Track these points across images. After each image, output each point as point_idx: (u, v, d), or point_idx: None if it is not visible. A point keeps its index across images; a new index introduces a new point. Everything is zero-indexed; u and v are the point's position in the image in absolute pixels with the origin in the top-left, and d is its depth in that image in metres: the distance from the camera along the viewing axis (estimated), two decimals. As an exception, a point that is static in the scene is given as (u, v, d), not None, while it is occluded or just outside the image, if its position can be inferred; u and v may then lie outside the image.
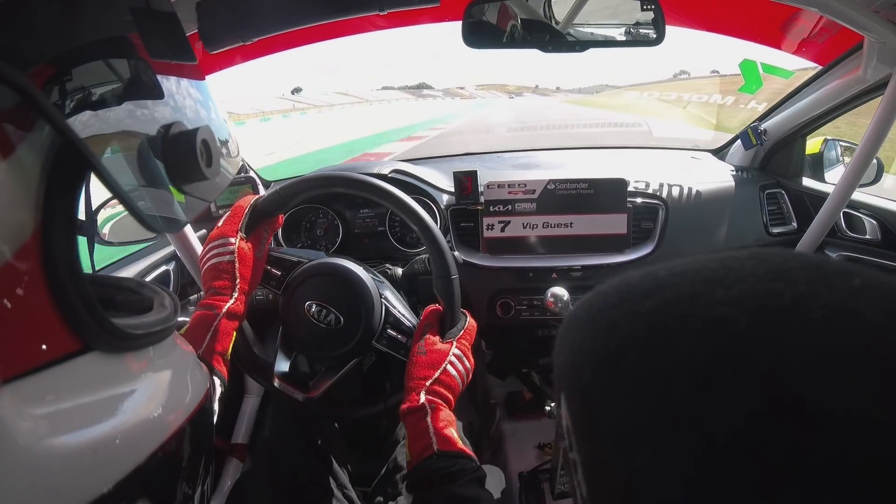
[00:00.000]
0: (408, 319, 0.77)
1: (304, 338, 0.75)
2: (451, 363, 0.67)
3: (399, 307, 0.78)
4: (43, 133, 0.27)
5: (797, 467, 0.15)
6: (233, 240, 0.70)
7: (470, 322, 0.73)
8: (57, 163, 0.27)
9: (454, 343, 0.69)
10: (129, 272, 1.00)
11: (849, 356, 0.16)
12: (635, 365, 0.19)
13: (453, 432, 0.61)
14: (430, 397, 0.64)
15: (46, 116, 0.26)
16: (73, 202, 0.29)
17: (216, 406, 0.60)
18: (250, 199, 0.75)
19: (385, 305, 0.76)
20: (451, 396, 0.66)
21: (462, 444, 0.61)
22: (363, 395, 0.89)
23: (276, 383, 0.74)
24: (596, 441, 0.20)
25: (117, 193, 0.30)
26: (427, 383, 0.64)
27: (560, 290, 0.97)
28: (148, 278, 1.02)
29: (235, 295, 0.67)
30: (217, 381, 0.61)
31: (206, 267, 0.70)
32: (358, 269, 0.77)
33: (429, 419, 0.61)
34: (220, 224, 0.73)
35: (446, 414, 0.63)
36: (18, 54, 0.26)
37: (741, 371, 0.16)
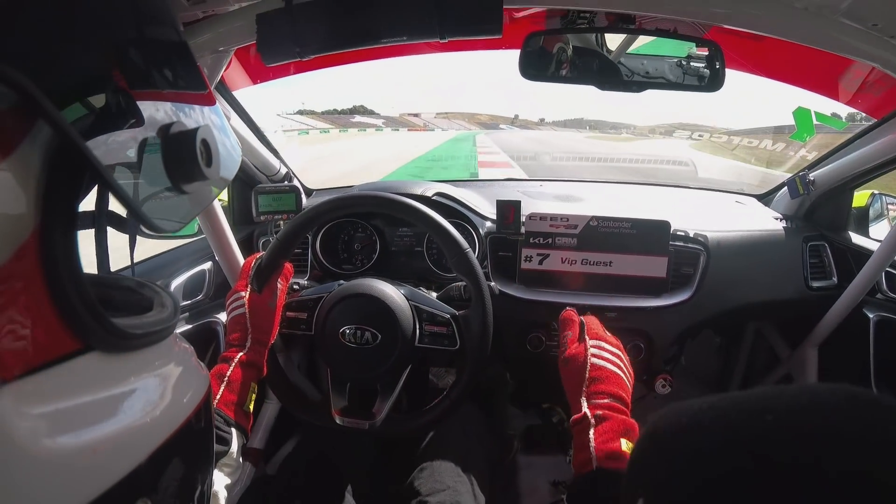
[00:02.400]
0: (440, 310, 0.77)
1: (348, 365, 0.76)
2: (596, 356, 0.62)
3: (426, 302, 0.78)
4: (43, 133, 0.27)
5: None
6: (243, 294, 0.74)
7: (588, 317, 0.69)
8: (57, 162, 0.27)
9: (587, 339, 0.64)
10: (166, 269, 1.02)
11: None
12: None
13: (623, 444, 0.55)
14: (596, 402, 0.58)
15: (46, 116, 0.26)
16: (74, 202, 0.30)
17: (238, 460, 0.61)
18: (256, 257, 0.79)
19: (413, 306, 0.76)
20: (619, 392, 0.60)
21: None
22: (408, 407, 0.90)
23: (339, 420, 0.75)
24: None
25: (117, 193, 0.30)
26: (583, 387, 0.60)
27: None
28: (185, 275, 1.03)
29: (248, 345, 0.70)
30: (235, 433, 0.61)
31: (227, 323, 0.74)
32: (376, 282, 0.78)
33: (591, 432, 0.56)
34: (238, 281, 0.77)
35: (615, 423, 0.57)
36: (19, 54, 0.26)
37: None
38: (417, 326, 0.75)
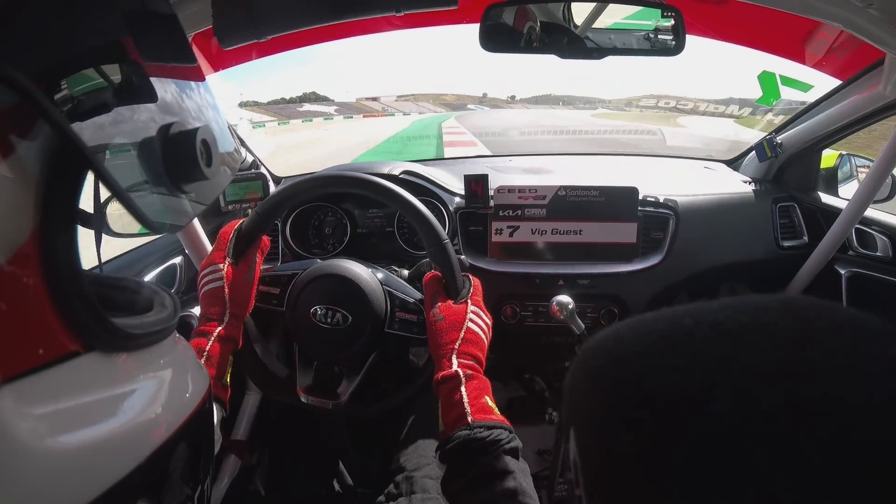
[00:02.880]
0: (412, 297, 0.77)
1: (317, 345, 0.75)
2: (472, 321, 0.66)
3: (400, 287, 0.78)
4: (43, 133, 0.27)
5: None
6: (221, 266, 0.72)
7: (474, 281, 0.73)
8: (57, 162, 0.27)
9: (468, 302, 0.68)
10: (136, 265, 1.01)
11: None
12: (660, 431, 0.20)
13: (488, 400, 0.60)
14: (462, 361, 0.62)
15: (46, 116, 0.26)
16: (74, 202, 0.29)
17: (217, 433, 0.60)
18: (235, 224, 0.76)
19: (387, 291, 0.76)
20: (481, 356, 0.65)
21: (497, 412, 0.60)
22: (375, 391, 0.90)
23: (304, 398, 0.74)
24: (601, 469, 0.22)
25: (117, 193, 0.30)
26: (456, 345, 0.63)
27: (565, 299, 0.96)
28: (155, 271, 1.02)
29: (226, 320, 0.69)
30: (215, 406, 0.61)
31: (201, 295, 0.72)
32: (351, 264, 0.77)
33: (463, 388, 0.59)
34: (210, 252, 0.75)
35: (480, 381, 0.61)
36: (18, 54, 0.26)
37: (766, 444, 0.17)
38: (389, 312, 0.75)
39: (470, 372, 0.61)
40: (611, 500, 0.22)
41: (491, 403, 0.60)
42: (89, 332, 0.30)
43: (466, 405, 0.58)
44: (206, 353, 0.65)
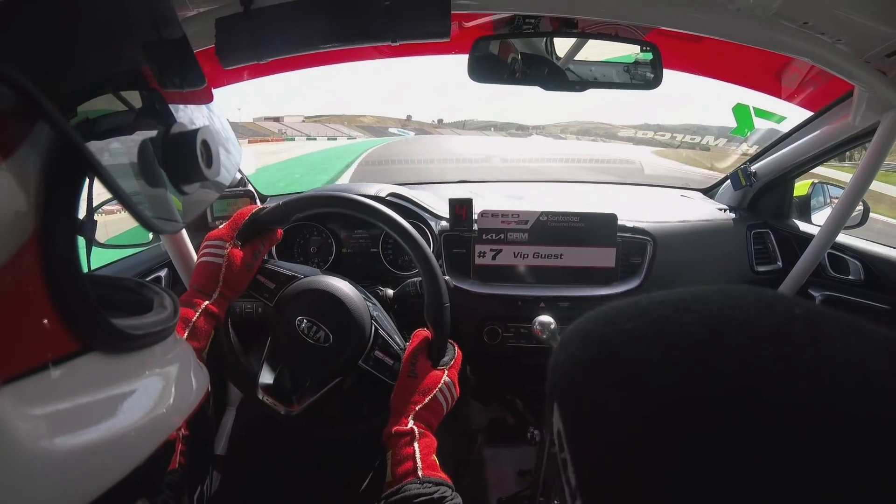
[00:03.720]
0: (396, 343, 0.78)
1: (291, 352, 0.75)
2: (442, 392, 0.68)
3: (388, 330, 0.79)
4: (43, 133, 0.27)
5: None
6: (226, 244, 0.72)
7: (457, 352, 0.74)
8: (57, 163, 0.27)
9: (445, 371, 0.70)
10: (118, 269, 1.01)
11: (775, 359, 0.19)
12: (618, 368, 0.23)
13: (436, 459, 0.63)
14: (419, 422, 0.65)
15: (47, 117, 0.26)
16: (74, 202, 0.29)
17: None
18: (253, 209, 0.76)
19: (375, 327, 0.77)
20: (435, 423, 0.67)
21: (441, 472, 0.63)
22: (340, 415, 0.89)
23: (260, 395, 0.74)
24: (586, 433, 0.24)
25: (117, 194, 0.30)
26: (417, 408, 0.66)
27: (547, 319, 0.98)
28: None
29: (215, 297, 0.69)
30: None
31: (197, 263, 0.72)
32: (351, 290, 0.78)
33: (416, 444, 0.62)
34: (220, 227, 0.74)
35: (430, 440, 0.65)
36: (19, 55, 0.26)
37: (701, 371, 0.20)
38: (369, 347, 0.76)
39: (423, 431, 0.64)
40: (604, 491, 0.22)
41: (437, 462, 0.63)
42: (89, 333, 0.29)
43: (418, 460, 0.61)
44: (191, 324, 0.65)
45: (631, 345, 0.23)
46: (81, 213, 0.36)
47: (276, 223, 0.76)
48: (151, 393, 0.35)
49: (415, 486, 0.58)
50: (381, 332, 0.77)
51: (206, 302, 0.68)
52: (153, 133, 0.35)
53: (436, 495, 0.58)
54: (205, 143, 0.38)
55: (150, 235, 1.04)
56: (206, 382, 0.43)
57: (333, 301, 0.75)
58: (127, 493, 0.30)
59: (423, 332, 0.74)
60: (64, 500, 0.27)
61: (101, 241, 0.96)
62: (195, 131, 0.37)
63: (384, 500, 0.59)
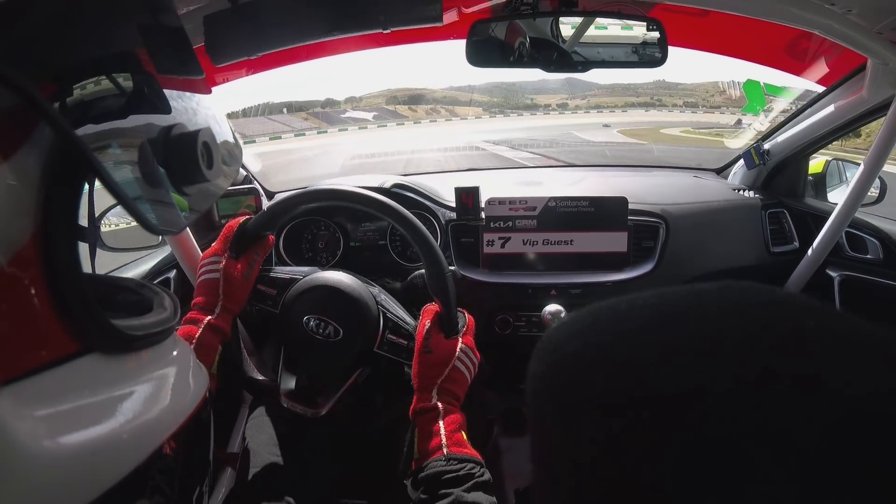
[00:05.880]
0: (406, 323, 0.77)
1: (306, 354, 0.75)
2: (461, 360, 0.68)
3: (397, 311, 0.78)
4: (44, 134, 0.27)
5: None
6: (221, 258, 0.73)
7: (469, 319, 0.74)
8: (58, 164, 0.28)
9: (459, 339, 0.70)
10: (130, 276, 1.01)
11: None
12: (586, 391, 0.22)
13: (464, 435, 0.62)
14: (443, 397, 0.64)
15: (48, 118, 0.26)
16: (74, 204, 0.30)
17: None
18: (241, 219, 0.77)
19: (382, 311, 0.76)
20: (461, 394, 0.67)
21: (470, 447, 0.62)
22: (358, 409, 0.89)
23: (285, 403, 0.74)
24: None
25: (118, 195, 0.30)
26: (438, 381, 0.65)
27: (556, 308, 0.97)
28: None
29: (217, 311, 0.70)
30: None
31: (197, 284, 0.73)
32: (351, 279, 0.77)
33: (441, 421, 0.62)
34: (214, 244, 0.76)
35: (457, 416, 0.64)
36: (20, 56, 0.26)
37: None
38: (381, 332, 0.75)
39: (448, 406, 0.64)
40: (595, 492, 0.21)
41: (466, 438, 0.62)
42: (89, 334, 0.30)
43: (443, 437, 0.61)
44: (195, 341, 0.66)
45: (598, 369, 0.22)
46: (83, 215, 0.36)
47: (264, 230, 0.77)
48: (151, 394, 0.35)
49: (440, 464, 0.58)
50: (389, 314, 0.77)
51: (209, 317, 0.69)
52: (154, 135, 0.35)
53: (462, 472, 0.57)
54: (205, 145, 0.38)
55: (159, 237, 1.05)
56: (206, 383, 0.43)
57: (335, 294, 0.75)
58: (126, 493, 0.30)
59: (431, 307, 0.73)
60: (63, 500, 0.27)
61: (108, 244, 0.97)
62: (196, 132, 0.37)
63: (411, 478, 0.59)
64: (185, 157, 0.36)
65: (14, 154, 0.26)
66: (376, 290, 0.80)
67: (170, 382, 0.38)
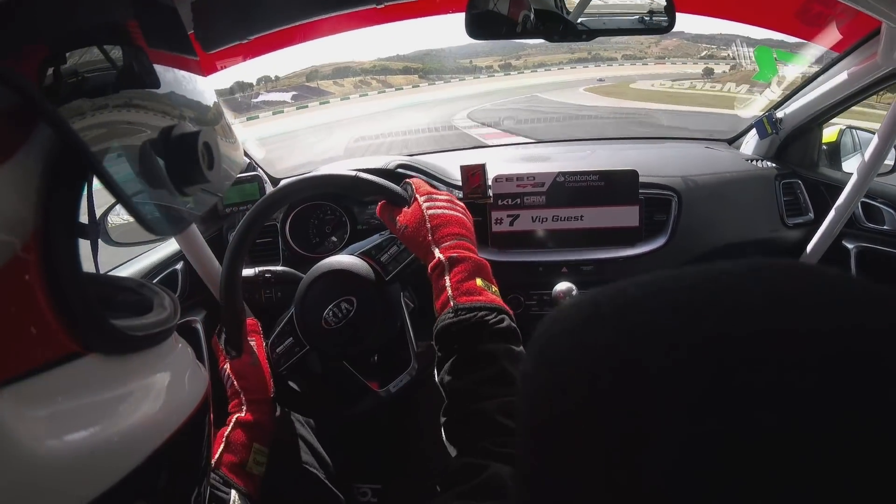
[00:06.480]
0: (380, 239, 0.79)
1: (350, 351, 0.77)
2: (429, 209, 0.66)
3: (368, 243, 0.79)
4: (44, 134, 0.27)
5: None
6: (224, 367, 0.76)
7: (414, 180, 0.73)
8: (58, 164, 0.28)
9: (417, 199, 0.68)
10: (135, 271, 1.00)
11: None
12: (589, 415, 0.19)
13: (477, 282, 0.59)
14: (445, 246, 0.62)
15: (48, 118, 0.26)
16: (74, 203, 0.30)
17: None
18: (213, 336, 0.80)
19: (363, 255, 0.77)
20: (460, 230, 0.65)
21: (489, 292, 0.59)
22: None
23: (383, 392, 0.76)
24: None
25: (118, 195, 0.30)
26: (429, 237, 0.63)
27: (568, 285, 0.96)
28: (156, 279, 1.02)
29: (245, 408, 0.71)
30: (234, 494, 0.62)
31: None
32: (333, 258, 0.78)
33: (447, 273, 0.60)
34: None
35: (468, 264, 0.61)
36: (20, 56, 0.26)
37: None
38: (377, 266, 0.76)
39: (456, 255, 0.61)
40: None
41: (481, 283, 0.59)
42: (88, 334, 0.30)
43: (449, 289, 0.58)
44: (225, 439, 0.68)
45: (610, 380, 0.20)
46: (85, 217, 0.36)
47: (238, 321, 0.76)
48: (151, 394, 0.35)
49: (448, 317, 0.56)
50: (366, 248, 0.78)
51: (237, 415, 0.70)
52: (155, 135, 0.35)
53: (472, 321, 0.54)
54: (206, 146, 0.38)
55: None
56: (206, 384, 0.43)
57: (316, 281, 0.76)
58: (125, 494, 0.30)
59: (379, 204, 0.72)
60: (63, 500, 0.27)
61: (114, 239, 0.97)
62: (196, 133, 0.37)
63: (434, 340, 0.58)
64: (186, 158, 0.36)
65: (14, 154, 0.26)
66: (340, 245, 0.84)
67: (170, 383, 0.38)
